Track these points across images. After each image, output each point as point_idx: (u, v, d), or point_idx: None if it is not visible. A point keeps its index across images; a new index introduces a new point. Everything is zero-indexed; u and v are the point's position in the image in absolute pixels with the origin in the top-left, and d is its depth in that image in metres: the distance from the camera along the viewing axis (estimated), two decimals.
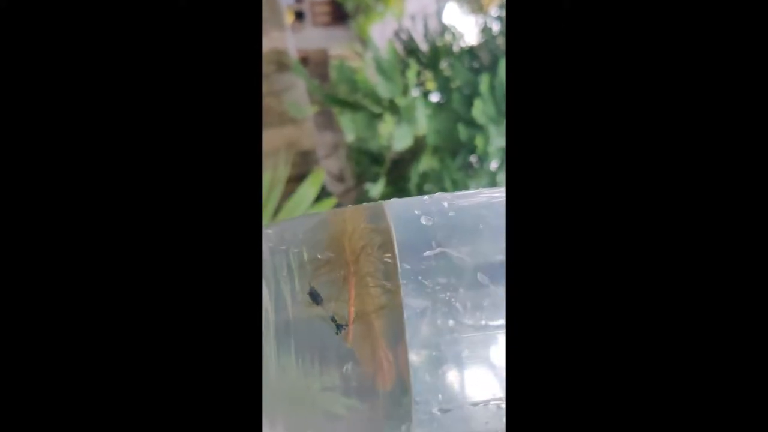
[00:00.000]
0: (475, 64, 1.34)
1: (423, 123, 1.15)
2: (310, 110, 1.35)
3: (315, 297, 0.23)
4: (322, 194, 1.31)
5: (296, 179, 1.30)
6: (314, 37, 1.93)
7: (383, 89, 1.14)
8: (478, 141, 1.15)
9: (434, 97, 1.28)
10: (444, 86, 1.28)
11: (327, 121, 1.80)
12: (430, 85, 1.33)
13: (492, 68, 1.26)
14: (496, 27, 1.46)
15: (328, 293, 0.23)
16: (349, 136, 1.46)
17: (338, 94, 1.27)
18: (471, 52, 1.38)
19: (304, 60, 1.51)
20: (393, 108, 1.14)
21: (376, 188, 1.27)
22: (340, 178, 1.74)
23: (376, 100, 1.16)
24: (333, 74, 1.26)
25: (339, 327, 0.23)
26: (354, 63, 1.25)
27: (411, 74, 1.14)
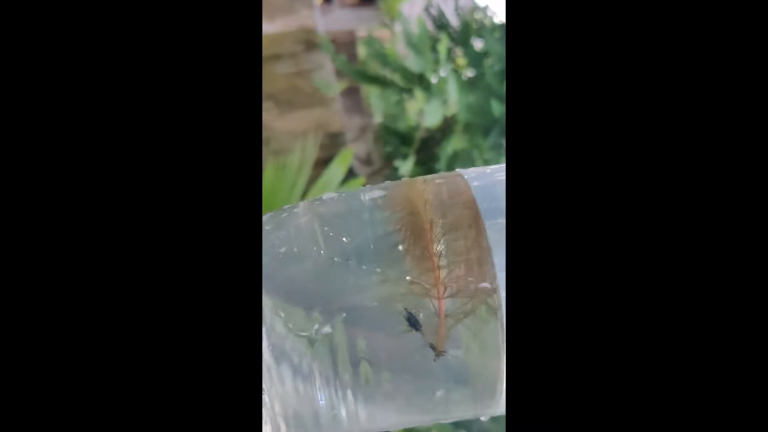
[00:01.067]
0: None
1: (454, 98, 1.12)
2: (338, 87, 1.33)
3: (413, 323, 0.21)
4: (350, 175, 1.29)
5: (324, 162, 1.28)
6: (342, 18, 1.91)
7: (413, 63, 1.11)
8: None
9: (467, 73, 1.24)
10: (476, 62, 1.24)
11: (355, 105, 1.78)
12: (461, 61, 1.29)
13: None
14: None
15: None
16: (378, 117, 1.44)
17: (367, 71, 1.24)
18: (503, 27, 1.34)
19: (333, 42, 1.49)
20: (423, 83, 1.12)
21: (405, 165, 1.24)
22: (367, 162, 1.73)
23: (406, 75, 1.13)
24: (362, 49, 1.23)
25: (437, 354, 0.21)
26: (383, 38, 1.22)
27: (442, 48, 1.10)
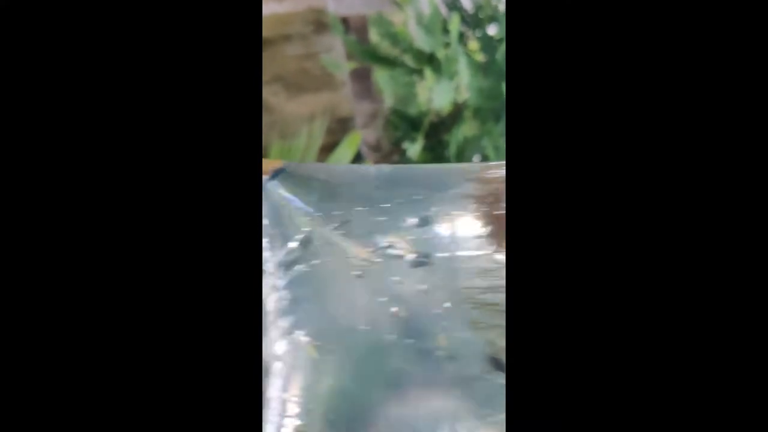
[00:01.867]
0: None
1: (465, 80, 1.10)
2: (347, 67, 1.31)
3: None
4: (357, 160, 1.28)
5: (332, 147, 1.27)
6: (353, 2, 1.89)
7: (423, 43, 1.09)
8: None
9: (479, 57, 1.22)
10: (488, 45, 1.21)
11: (365, 90, 1.77)
12: (474, 45, 1.27)
13: None
14: None
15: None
16: (388, 101, 1.42)
17: (377, 51, 1.22)
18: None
19: (347, 25, 1.47)
20: (434, 63, 1.10)
21: (413, 148, 1.22)
22: (377, 148, 1.71)
23: (416, 54, 1.11)
24: (372, 28, 1.21)
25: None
26: (394, 19, 1.20)
27: (453, 28, 1.08)
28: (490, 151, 1.29)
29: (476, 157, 1.32)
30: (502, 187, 0.23)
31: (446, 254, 0.22)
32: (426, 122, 1.28)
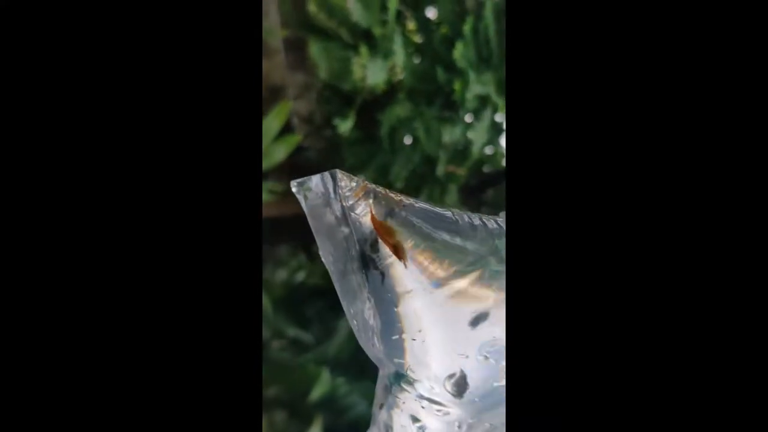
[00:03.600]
0: (460, 9, 1.28)
1: (400, 59, 1.09)
2: (280, 34, 1.27)
3: None
4: (286, 129, 1.25)
5: (263, 115, 1.23)
6: None
7: (360, 17, 1.07)
8: (456, 85, 1.10)
9: (416, 39, 1.22)
10: (425, 27, 1.21)
11: (300, 61, 1.72)
12: (411, 25, 1.26)
13: (477, 12, 1.20)
14: None
15: None
16: (322, 74, 1.39)
17: (312, 21, 1.19)
18: None
19: None
20: (369, 39, 1.08)
21: (344, 125, 1.21)
22: (309, 121, 1.68)
23: (352, 29, 1.09)
24: (312, 4, 1.18)
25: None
26: None
27: (392, 6, 1.07)
28: (420, 133, 1.30)
29: (407, 138, 1.33)
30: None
31: None
32: (359, 99, 1.27)
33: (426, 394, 0.20)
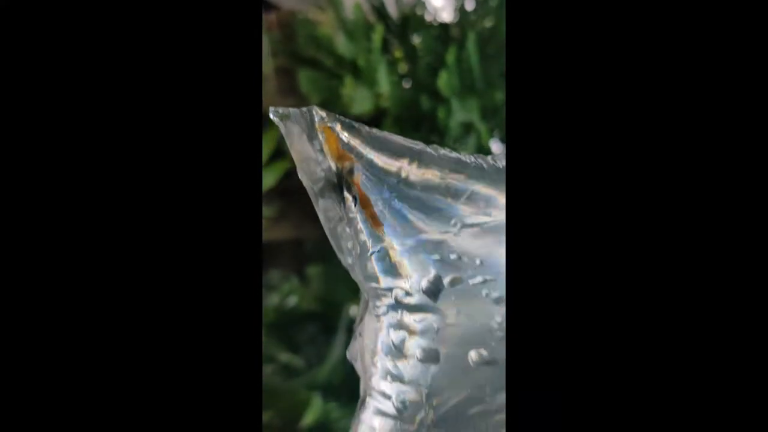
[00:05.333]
0: (444, 38, 1.31)
1: (385, 88, 1.12)
2: (269, 63, 1.30)
3: None
4: (276, 155, 1.27)
5: None
6: None
7: (345, 48, 1.10)
8: (441, 112, 1.13)
9: (402, 66, 1.25)
10: (410, 55, 1.25)
11: (290, 87, 1.75)
12: (398, 53, 1.30)
13: (461, 42, 1.24)
14: (470, 5, 1.43)
15: None
16: (313, 101, 1.42)
17: (300, 51, 1.22)
18: (442, 25, 1.36)
19: (272, 21, 1.45)
20: (354, 70, 1.11)
21: None
22: None
23: (338, 59, 1.12)
24: (297, 30, 1.21)
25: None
26: (319, 20, 1.21)
27: (377, 37, 1.10)
28: None
29: None
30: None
31: None
32: None
33: (403, 302, 0.21)
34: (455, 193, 0.21)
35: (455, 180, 0.22)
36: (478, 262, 0.21)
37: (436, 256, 0.21)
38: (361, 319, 0.23)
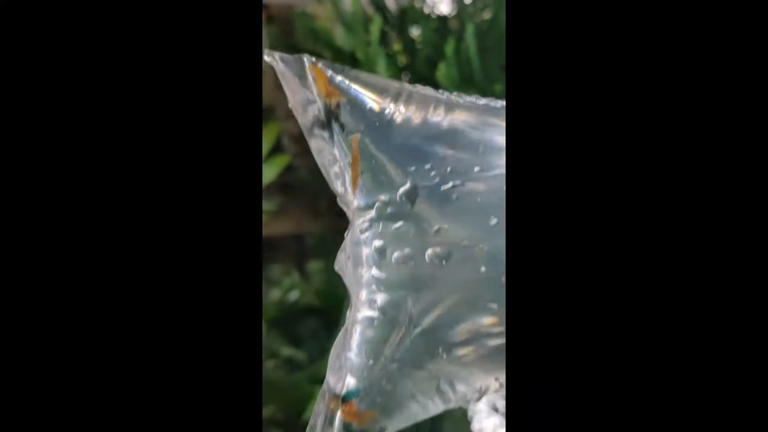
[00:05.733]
0: (443, 30, 1.31)
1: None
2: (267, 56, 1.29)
3: None
4: (276, 150, 1.27)
5: None
6: None
7: (344, 41, 1.10)
8: None
9: (401, 59, 1.24)
10: (409, 48, 1.24)
11: None
12: (396, 46, 1.29)
13: (459, 34, 1.23)
14: None
15: None
16: None
17: (298, 45, 1.22)
18: (440, 18, 1.35)
19: (270, 16, 1.44)
20: (353, 62, 1.11)
21: None
22: (299, 140, 1.69)
23: (336, 52, 1.12)
24: (295, 23, 1.21)
25: None
26: (316, 13, 1.20)
27: (375, 29, 1.10)
28: None
29: None
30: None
31: None
32: None
33: (384, 213, 0.23)
34: (437, 130, 0.23)
35: (437, 117, 0.23)
36: (448, 170, 0.23)
37: (412, 168, 0.23)
38: (345, 234, 0.26)
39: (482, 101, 0.24)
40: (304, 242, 1.82)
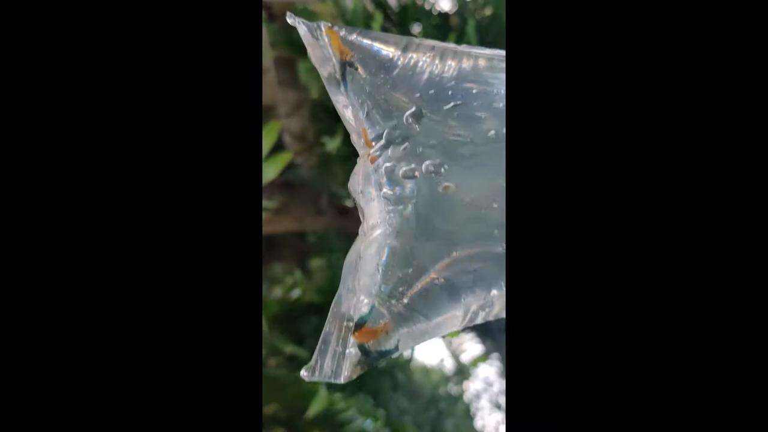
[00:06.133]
0: (444, 26, 1.30)
1: None
2: (269, 54, 1.29)
3: None
4: (278, 148, 1.27)
5: None
6: None
7: None
8: None
9: None
10: None
11: (291, 79, 1.74)
12: None
13: (460, 30, 1.23)
14: None
15: None
16: (313, 92, 1.41)
17: (300, 43, 1.22)
18: (441, 14, 1.35)
19: (271, 13, 1.44)
20: None
21: (333, 142, 1.23)
22: (301, 138, 1.69)
23: None
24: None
25: None
26: (317, 10, 1.20)
27: (376, 26, 1.09)
28: None
29: None
30: None
31: None
32: None
33: (393, 136, 0.25)
34: (445, 72, 0.25)
35: (447, 63, 0.26)
36: (450, 92, 0.25)
37: (417, 94, 0.26)
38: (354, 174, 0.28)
39: (490, 51, 0.25)
40: (306, 240, 1.82)
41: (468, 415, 1.76)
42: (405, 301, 0.25)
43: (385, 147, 0.26)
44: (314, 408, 1.11)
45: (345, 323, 0.25)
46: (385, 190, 0.25)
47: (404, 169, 0.25)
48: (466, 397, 1.82)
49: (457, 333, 1.97)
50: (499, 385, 1.88)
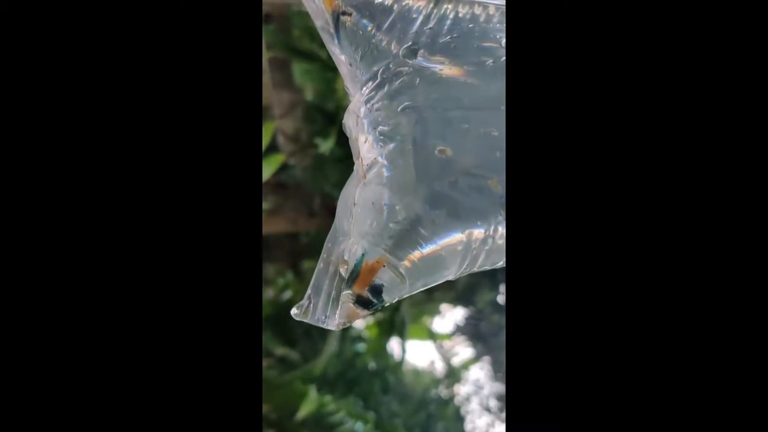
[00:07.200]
0: None
1: None
2: (265, 54, 1.29)
3: None
4: (271, 149, 1.26)
5: None
6: None
7: None
8: None
9: None
10: None
11: (285, 80, 1.74)
12: None
13: None
14: None
15: None
16: (308, 94, 1.41)
17: (295, 44, 1.21)
18: None
19: (268, 14, 1.44)
20: None
21: (326, 144, 1.23)
22: (295, 139, 1.69)
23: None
24: (292, 22, 1.20)
25: None
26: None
27: None
28: None
29: None
30: None
31: None
32: (341, 116, 1.29)
33: (388, 73, 0.25)
34: (438, 15, 0.26)
35: (437, 9, 0.26)
36: (446, 28, 0.25)
37: (413, 30, 0.26)
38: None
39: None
40: (298, 241, 1.82)
41: (458, 418, 1.76)
42: (401, 228, 0.25)
43: (380, 86, 0.25)
44: (304, 410, 1.11)
45: (339, 267, 0.25)
46: (381, 127, 0.25)
47: (404, 104, 0.25)
48: (457, 400, 1.82)
49: (449, 336, 1.98)
50: (490, 388, 1.89)
